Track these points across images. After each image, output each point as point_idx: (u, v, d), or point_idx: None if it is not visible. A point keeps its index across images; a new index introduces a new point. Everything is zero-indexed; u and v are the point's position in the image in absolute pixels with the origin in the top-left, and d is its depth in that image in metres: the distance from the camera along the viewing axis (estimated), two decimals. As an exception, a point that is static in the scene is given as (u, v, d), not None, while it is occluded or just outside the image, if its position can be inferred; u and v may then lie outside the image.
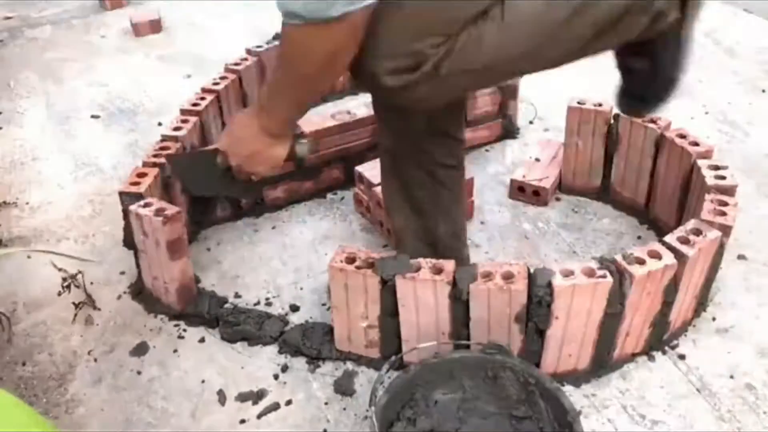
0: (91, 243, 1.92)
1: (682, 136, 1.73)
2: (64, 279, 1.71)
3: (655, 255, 1.36)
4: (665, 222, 1.81)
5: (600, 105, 1.87)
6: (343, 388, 1.45)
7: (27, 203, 2.11)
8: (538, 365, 1.40)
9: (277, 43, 2.35)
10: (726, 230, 1.44)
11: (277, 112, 1.25)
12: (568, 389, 1.42)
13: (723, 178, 1.57)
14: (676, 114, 2.37)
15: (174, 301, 1.63)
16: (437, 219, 1.53)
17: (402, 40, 1.11)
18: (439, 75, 1.14)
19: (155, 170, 1.69)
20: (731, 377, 1.45)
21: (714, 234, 1.42)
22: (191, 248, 1.74)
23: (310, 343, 1.53)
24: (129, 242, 1.66)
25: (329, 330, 1.54)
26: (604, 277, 1.31)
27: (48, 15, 3.56)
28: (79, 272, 1.72)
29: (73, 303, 1.67)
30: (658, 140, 1.77)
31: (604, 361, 1.45)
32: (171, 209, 1.53)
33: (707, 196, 1.52)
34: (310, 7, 1.02)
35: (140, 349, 1.58)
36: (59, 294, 1.70)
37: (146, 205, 1.54)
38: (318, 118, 2.00)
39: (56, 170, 2.27)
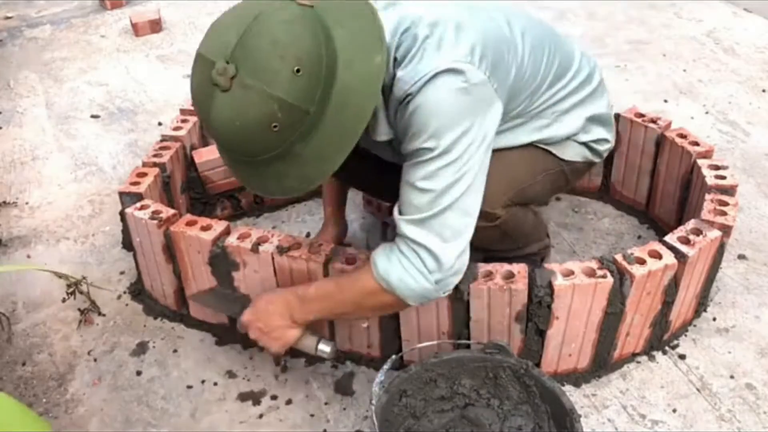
0: (91, 243, 1.92)
1: (683, 136, 1.73)
2: (68, 285, 1.71)
3: (656, 255, 1.36)
4: (665, 222, 1.81)
5: (600, 105, 1.87)
6: (343, 388, 1.45)
7: (27, 203, 2.11)
8: (538, 365, 1.40)
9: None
10: (726, 230, 1.44)
11: (313, 314, 1.29)
12: (568, 389, 1.42)
13: (723, 177, 1.56)
14: (676, 114, 2.38)
15: (172, 303, 1.63)
16: None
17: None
18: None
19: (155, 170, 1.69)
20: (731, 377, 1.45)
21: (714, 234, 1.41)
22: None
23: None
24: (127, 244, 1.66)
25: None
26: (604, 277, 1.31)
27: (48, 15, 3.55)
28: (84, 278, 1.72)
29: (79, 309, 1.67)
30: (658, 140, 1.77)
31: (604, 361, 1.45)
32: (167, 212, 1.52)
33: (707, 196, 1.51)
34: (420, 297, 1.18)
35: (140, 349, 1.58)
36: (63, 301, 1.70)
37: (142, 208, 1.54)
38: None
39: (56, 170, 2.27)
